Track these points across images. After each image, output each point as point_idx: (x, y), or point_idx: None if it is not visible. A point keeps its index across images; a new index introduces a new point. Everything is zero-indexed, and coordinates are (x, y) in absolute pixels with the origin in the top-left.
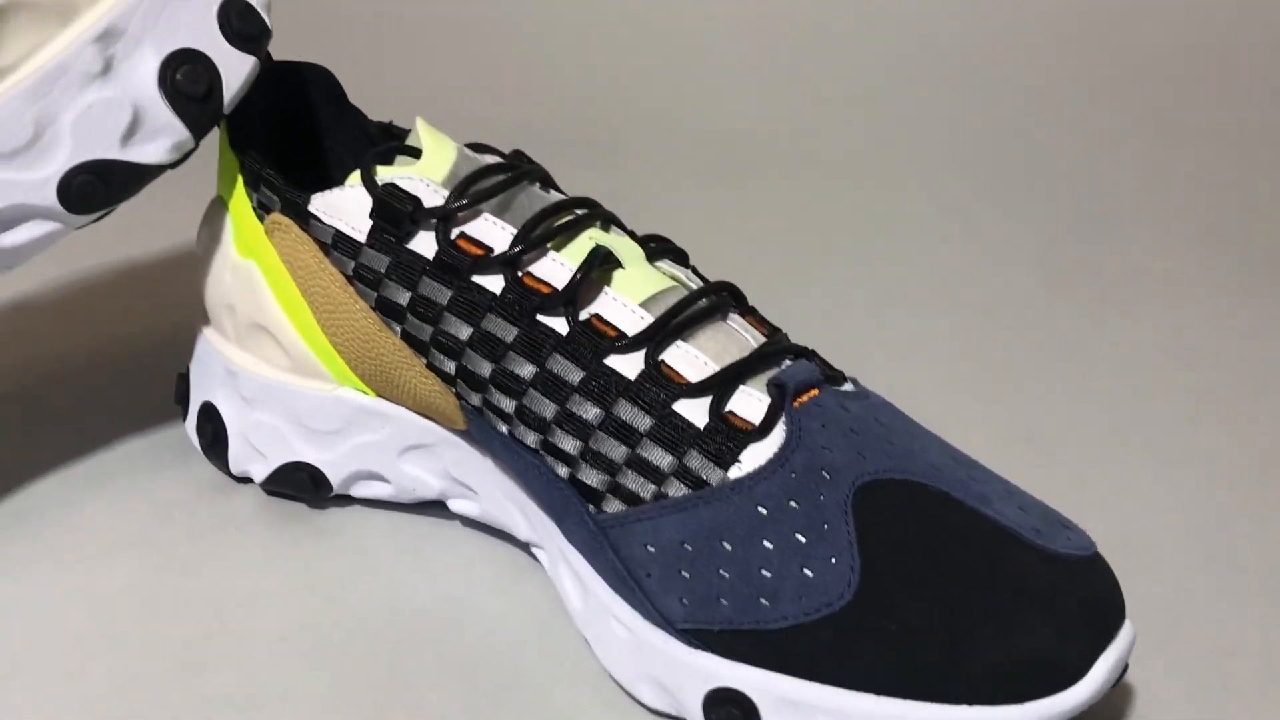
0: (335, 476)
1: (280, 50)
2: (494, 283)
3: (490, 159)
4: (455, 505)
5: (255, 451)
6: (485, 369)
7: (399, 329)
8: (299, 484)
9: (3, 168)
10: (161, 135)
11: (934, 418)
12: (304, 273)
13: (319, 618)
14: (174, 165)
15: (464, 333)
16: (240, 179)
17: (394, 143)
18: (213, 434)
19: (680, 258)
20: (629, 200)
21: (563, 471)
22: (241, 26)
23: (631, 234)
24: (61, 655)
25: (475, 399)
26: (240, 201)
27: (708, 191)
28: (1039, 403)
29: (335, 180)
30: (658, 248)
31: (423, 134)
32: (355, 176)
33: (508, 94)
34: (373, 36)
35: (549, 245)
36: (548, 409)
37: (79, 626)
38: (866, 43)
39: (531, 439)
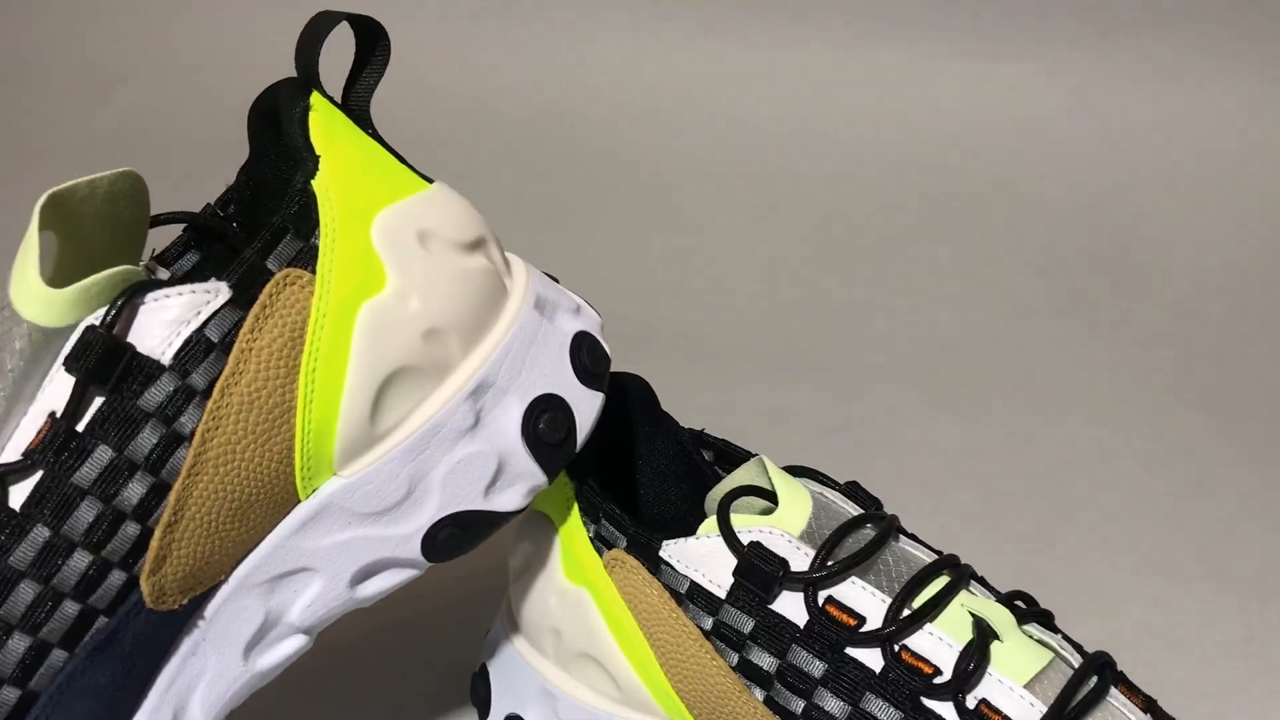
0: None
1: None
2: (871, 658)
3: (847, 506)
4: None
5: None
6: None
7: (762, 694)
8: None
9: (371, 525)
10: (520, 481)
11: None
12: (650, 617)
13: None
14: (521, 512)
15: (841, 711)
16: (575, 506)
17: (745, 487)
18: None
19: (1045, 619)
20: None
21: None
22: (591, 364)
23: (992, 589)
24: None
25: None
26: (574, 528)
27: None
28: None
29: (651, 498)
30: (1025, 611)
31: (776, 480)
32: (709, 525)
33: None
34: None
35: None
36: None
37: None
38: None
39: None
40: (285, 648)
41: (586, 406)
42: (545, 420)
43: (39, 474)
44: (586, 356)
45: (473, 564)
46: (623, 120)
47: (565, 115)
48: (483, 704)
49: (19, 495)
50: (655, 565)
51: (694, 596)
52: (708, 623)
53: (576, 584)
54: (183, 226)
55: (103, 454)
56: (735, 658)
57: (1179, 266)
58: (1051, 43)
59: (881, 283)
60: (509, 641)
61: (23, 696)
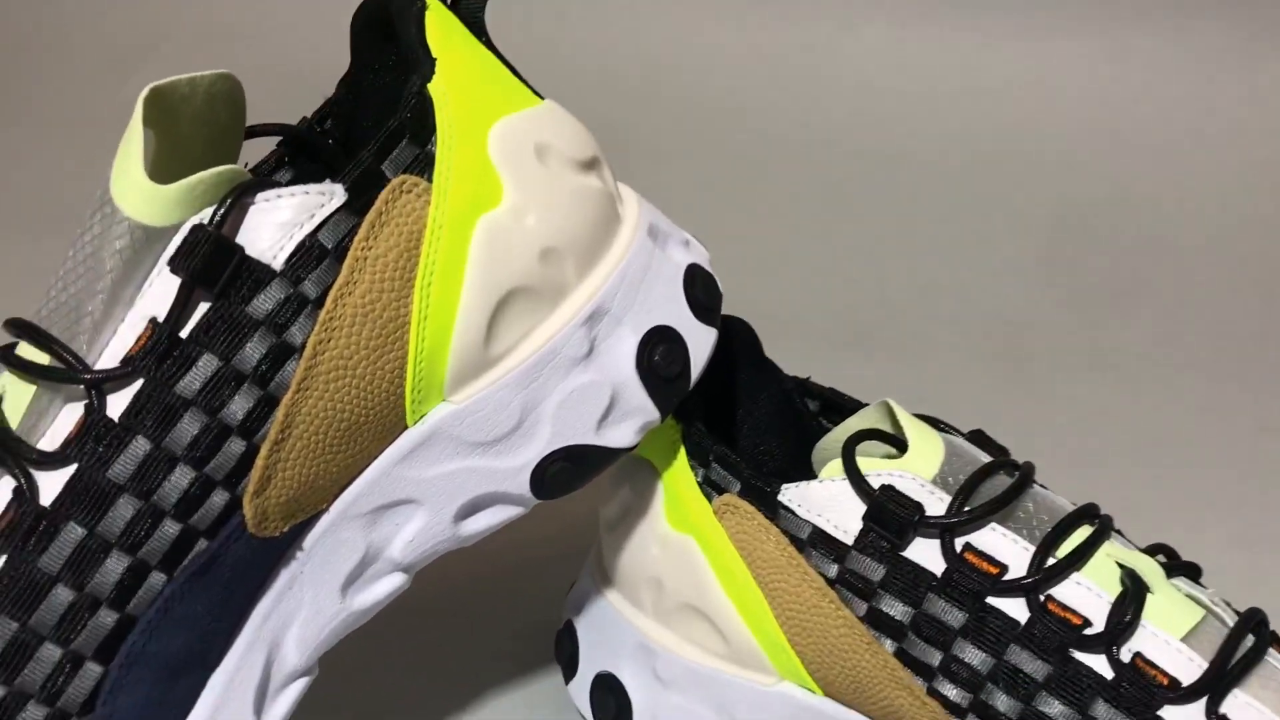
0: None
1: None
2: (1014, 608)
3: (978, 453)
4: None
5: None
6: (1013, 708)
7: (893, 645)
8: None
9: (480, 456)
10: (632, 417)
11: None
12: (766, 565)
13: None
14: (633, 449)
15: (983, 663)
16: (682, 449)
17: (868, 429)
18: (615, 710)
19: (1192, 572)
20: None
21: None
22: (705, 298)
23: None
24: None
25: None
26: (680, 473)
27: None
28: None
29: (752, 448)
30: (1169, 564)
31: (906, 424)
32: (833, 468)
33: None
34: None
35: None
36: None
37: None
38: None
39: None
40: (383, 586)
41: (701, 342)
42: (660, 353)
43: (139, 382)
44: (700, 290)
45: (554, 519)
46: (689, 88)
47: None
48: (569, 662)
49: (118, 404)
50: (773, 510)
51: (817, 543)
52: (832, 570)
53: (681, 532)
54: (277, 141)
55: (208, 363)
56: (863, 607)
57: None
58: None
59: (953, 254)
60: (600, 595)
61: (120, 620)
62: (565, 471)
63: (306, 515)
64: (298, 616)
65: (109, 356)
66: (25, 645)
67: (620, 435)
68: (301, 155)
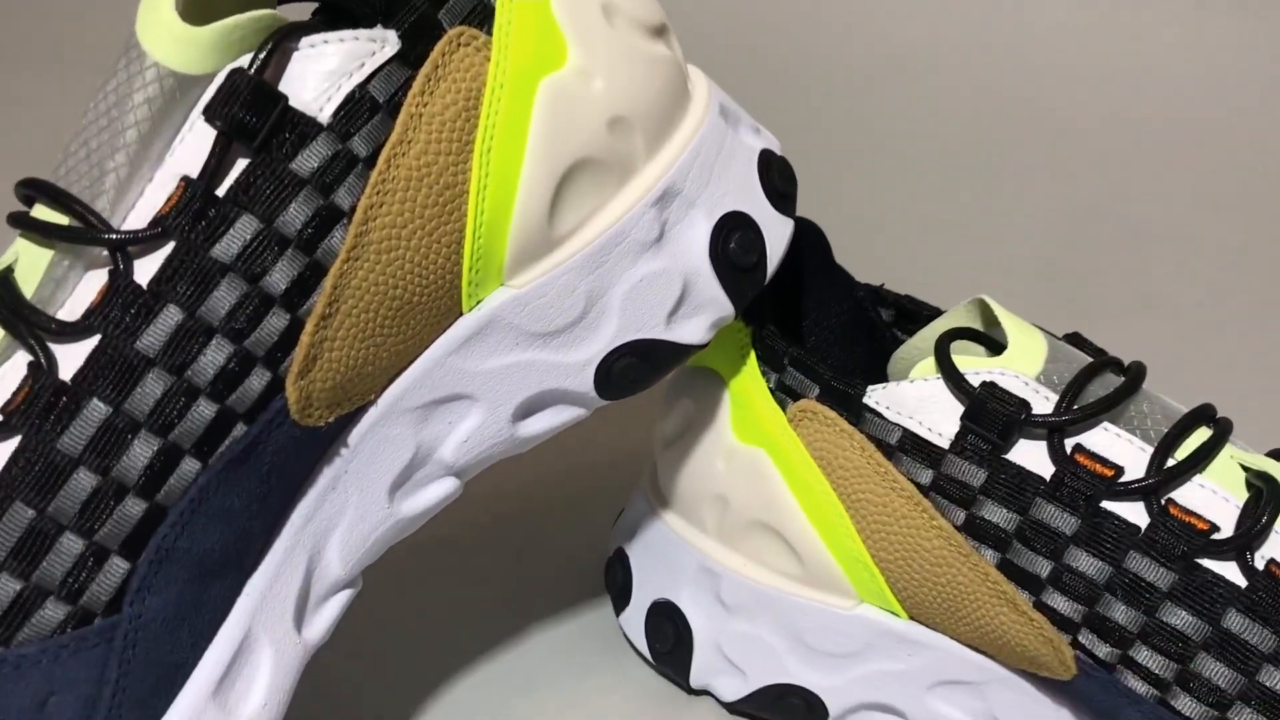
0: (835, 705)
1: None
2: (1133, 512)
3: (1080, 354)
4: None
5: (730, 665)
6: (1133, 620)
7: (995, 556)
8: (787, 710)
9: (541, 348)
10: (704, 311)
11: None
12: (849, 475)
13: None
14: (703, 347)
15: (1099, 572)
16: (752, 354)
17: (958, 329)
18: (674, 639)
19: None
20: None
21: None
22: (781, 184)
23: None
24: None
25: (1105, 651)
26: (749, 380)
27: None
28: None
29: (826, 357)
30: None
31: (1005, 320)
32: (925, 367)
33: None
34: None
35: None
36: (1224, 676)
37: None
38: None
39: (1196, 713)
40: (434, 491)
41: (777, 232)
42: (736, 240)
43: (170, 245)
44: (776, 176)
45: (600, 447)
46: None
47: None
48: (621, 592)
49: (146, 270)
50: (857, 415)
51: (908, 448)
52: (925, 477)
53: (750, 444)
54: (313, 9)
55: (247, 225)
56: (961, 516)
57: None
58: None
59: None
60: (656, 519)
61: (149, 511)
62: (632, 368)
63: (353, 406)
64: (341, 521)
65: (136, 217)
66: (43, 535)
67: (691, 331)
68: (339, 20)
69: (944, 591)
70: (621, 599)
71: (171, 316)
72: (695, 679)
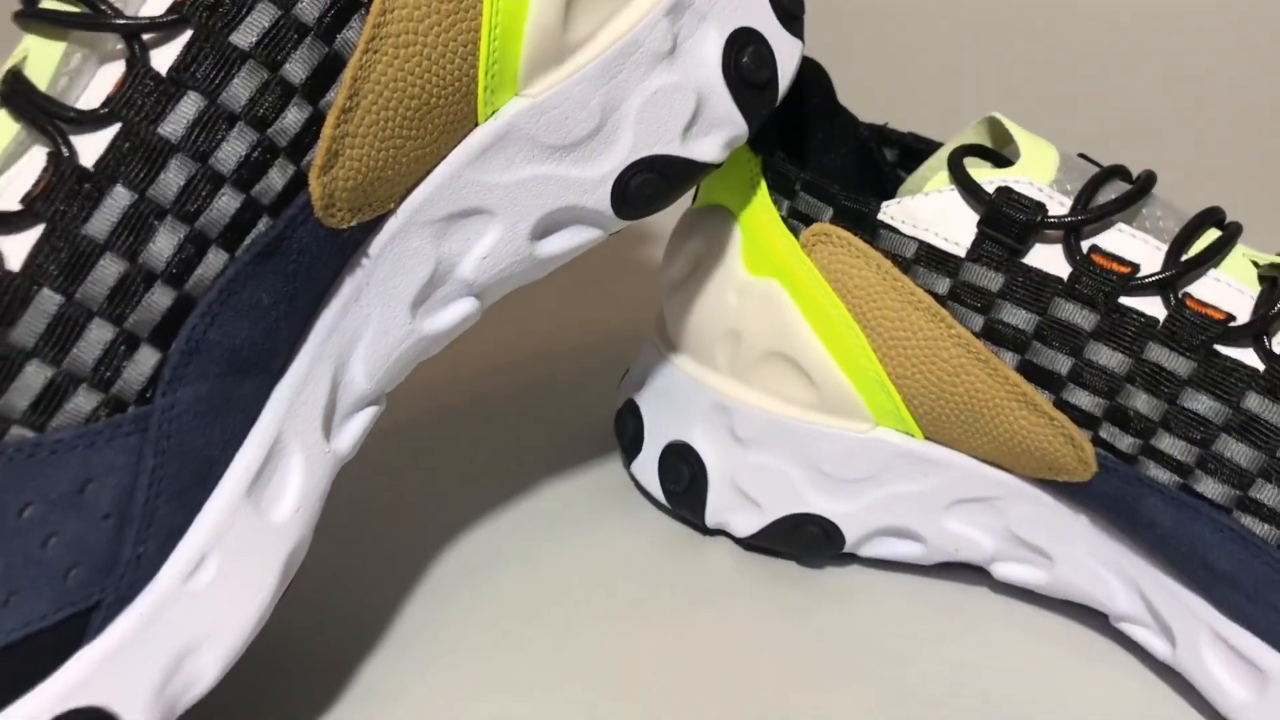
0: (852, 532)
1: None
2: (1150, 306)
3: (1092, 165)
4: (1005, 570)
5: (746, 500)
6: (1154, 409)
7: (1014, 359)
8: (804, 539)
9: (558, 161)
10: (718, 129)
11: None
12: (864, 294)
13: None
14: (717, 167)
15: (1120, 365)
16: (763, 184)
17: (969, 145)
18: (689, 478)
19: None
20: None
21: (1263, 531)
22: (790, 5)
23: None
24: None
25: (1127, 443)
26: (760, 210)
27: None
28: None
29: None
30: None
31: (1016, 133)
32: (939, 180)
33: None
34: None
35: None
36: (1245, 456)
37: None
38: None
39: (1219, 494)
40: (454, 310)
41: (787, 52)
42: (749, 54)
43: (188, 32)
44: None
45: (597, 324)
46: None
47: None
48: (633, 441)
49: (164, 58)
50: (872, 232)
51: (924, 260)
52: (943, 287)
53: (762, 275)
54: None
55: (265, 11)
56: (979, 322)
57: None
58: None
59: None
60: (666, 364)
61: (178, 300)
62: (649, 185)
63: (374, 213)
64: (365, 334)
65: (151, 5)
66: (73, 321)
67: (706, 148)
68: None
69: (962, 402)
70: (633, 447)
71: (192, 103)
72: (711, 517)
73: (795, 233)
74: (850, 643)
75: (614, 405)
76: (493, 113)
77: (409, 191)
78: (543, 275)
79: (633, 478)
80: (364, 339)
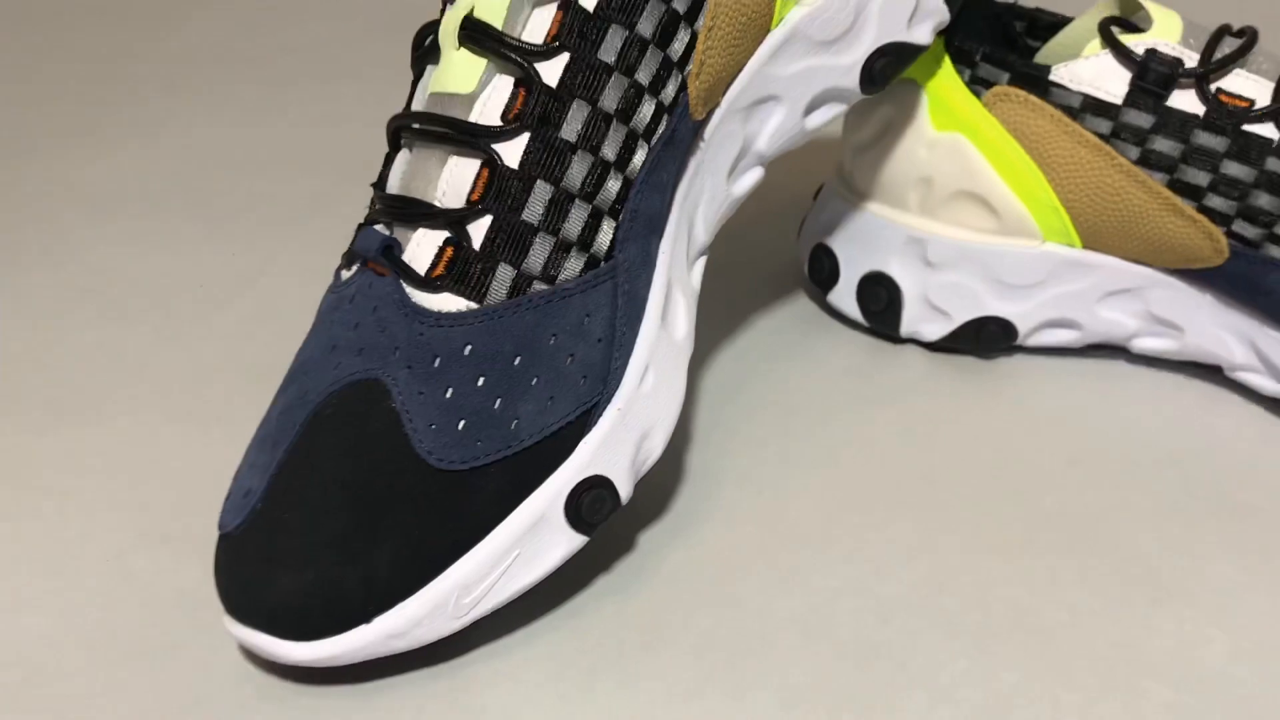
0: (1024, 325)
1: None
2: (1267, 130)
3: (1205, 26)
4: (1144, 344)
5: (936, 311)
6: (1274, 204)
7: (1164, 178)
8: (986, 337)
9: (823, 54)
10: (930, 17)
11: None
12: (1040, 139)
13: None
14: (928, 48)
15: (1247, 174)
16: (946, 58)
17: (1108, 16)
18: (886, 299)
19: None
20: None
21: None
22: None
23: None
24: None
25: (1254, 232)
26: (945, 79)
27: None
28: None
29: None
30: None
31: (1146, 3)
32: (1093, 47)
33: None
34: None
35: None
36: None
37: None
38: None
39: None
40: (750, 177)
41: None
42: None
43: None
44: None
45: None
46: None
47: None
48: (829, 276)
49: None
50: (1044, 91)
51: (1088, 109)
52: (1105, 128)
53: (949, 131)
54: None
55: None
56: (1135, 153)
57: None
58: None
59: None
60: (856, 210)
61: (623, 183)
62: (889, 65)
63: (711, 106)
64: (702, 198)
65: None
66: (562, 204)
67: (922, 33)
68: None
69: (1120, 214)
70: (830, 281)
71: (618, 35)
72: (905, 328)
73: (978, 94)
74: (1032, 408)
75: (790, 255)
76: (781, 20)
77: (727, 87)
78: (804, 144)
79: (830, 306)
80: (702, 202)
